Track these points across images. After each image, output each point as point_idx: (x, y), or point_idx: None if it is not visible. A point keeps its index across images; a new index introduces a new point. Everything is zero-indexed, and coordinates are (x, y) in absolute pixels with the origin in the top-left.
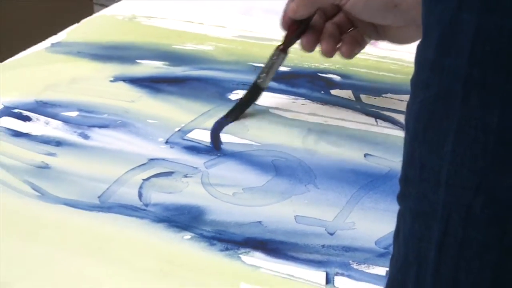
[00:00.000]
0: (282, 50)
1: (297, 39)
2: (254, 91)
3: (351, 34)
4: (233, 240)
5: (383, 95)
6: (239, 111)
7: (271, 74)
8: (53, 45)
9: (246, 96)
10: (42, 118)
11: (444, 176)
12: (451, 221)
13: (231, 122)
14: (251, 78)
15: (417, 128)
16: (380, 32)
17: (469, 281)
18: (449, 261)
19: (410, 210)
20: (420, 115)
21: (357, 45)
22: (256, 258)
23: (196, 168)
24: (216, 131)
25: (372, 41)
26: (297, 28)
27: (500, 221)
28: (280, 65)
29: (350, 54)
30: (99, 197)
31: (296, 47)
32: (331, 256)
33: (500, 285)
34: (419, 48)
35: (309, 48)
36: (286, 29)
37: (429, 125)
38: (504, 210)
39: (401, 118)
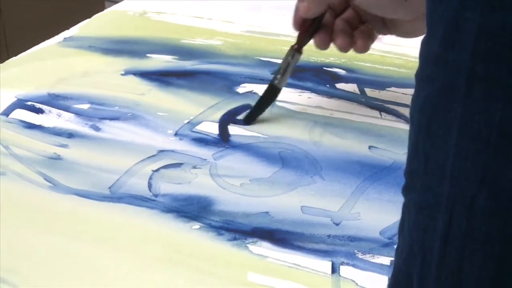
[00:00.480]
0: (297, 49)
1: (310, 38)
2: (271, 92)
3: (362, 29)
4: (240, 230)
5: (387, 88)
6: (257, 113)
7: (287, 74)
8: (65, 39)
9: (263, 97)
10: (54, 110)
11: (449, 169)
12: (455, 213)
13: (248, 125)
14: (258, 72)
15: (421, 122)
16: (389, 26)
17: (473, 271)
18: (453, 251)
19: (415, 202)
20: (424, 109)
21: (370, 39)
22: (263, 248)
23: (205, 159)
24: (224, 123)
25: (380, 36)
26: (309, 27)
27: (503, 213)
28: (294, 64)
29: (365, 48)
30: (109, 187)
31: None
32: (336, 246)
33: (503, 275)
34: (423, 43)
35: (323, 45)
36: (298, 29)
37: (433, 118)
38: (506, 202)
39: (404, 111)
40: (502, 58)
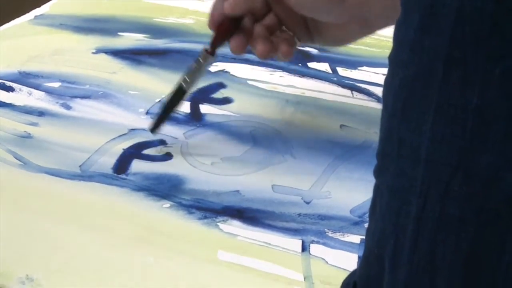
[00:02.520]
0: (210, 52)
1: (226, 41)
2: (178, 95)
3: (283, 36)
4: (211, 208)
5: (359, 68)
6: (163, 120)
7: (197, 79)
8: (36, 17)
9: (169, 102)
10: (25, 88)
11: (423, 153)
12: (430, 197)
13: (155, 133)
14: (229, 50)
15: (396, 106)
16: (313, 33)
17: (446, 254)
18: (426, 235)
19: (388, 185)
20: (399, 93)
21: (292, 46)
22: (234, 226)
23: (176, 138)
24: (195, 102)
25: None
26: (227, 29)
27: (477, 198)
28: (207, 68)
29: (290, 54)
30: (80, 166)
31: None
32: (307, 224)
33: (475, 258)
34: (398, 27)
35: (239, 50)
36: (215, 30)
37: (408, 103)
38: (481, 187)
39: (376, 90)
40: (480, 43)
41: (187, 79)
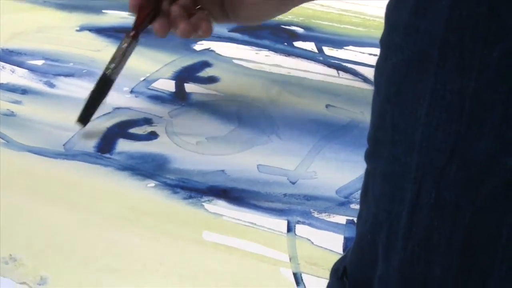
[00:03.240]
0: (134, 36)
1: (149, 24)
2: (104, 84)
3: (199, 15)
4: (196, 188)
5: (345, 47)
6: (91, 111)
7: (123, 64)
8: None
9: (95, 91)
10: (8, 66)
11: (418, 138)
12: (425, 183)
13: (84, 126)
14: (215, 29)
15: (389, 91)
16: (228, 11)
17: (441, 240)
18: (421, 221)
19: (381, 171)
20: (393, 77)
21: (211, 24)
22: (219, 206)
23: (161, 117)
24: (181, 81)
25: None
26: (148, 12)
27: (474, 183)
28: (131, 54)
29: (211, 30)
30: (64, 145)
31: None
32: (292, 204)
33: (471, 244)
34: (391, 9)
35: (163, 32)
36: (136, 13)
37: (402, 88)
38: (477, 172)
39: (362, 70)
40: (477, 27)
41: (112, 67)
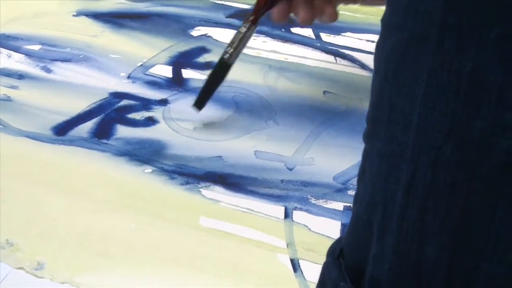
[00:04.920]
0: (253, 21)
1: (269, 9)
2: (221, 69)
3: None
4: (193, 174)
5: (343, 33)
6: (207, 96)
7: (240, 49)
8: None
9: (212, 76)
10: (4, 51)
11: (415, 118)
12: (420, 163)
13: (199, 111)
14: (213, 15)
15: (388, 70)
16: None
17: (436, 221)
18: (416, 201)
19: (378, 150)
20: (392, 57)
21: (336, 8)
22: (216, 192)
23: (158, 102)
24: (178, 66)
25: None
26: None
27: (469, 164)
28: (250, 38)
29: (336, 16)
30: (60, 130)
31: None
32: (289, 191)
33: (465, 226)
34: None
35: (282, 18)
36: None
37: (400, 67)
38: (473, 154)
39: (359, 56)
40: (475, 7)
41: (230, 51)
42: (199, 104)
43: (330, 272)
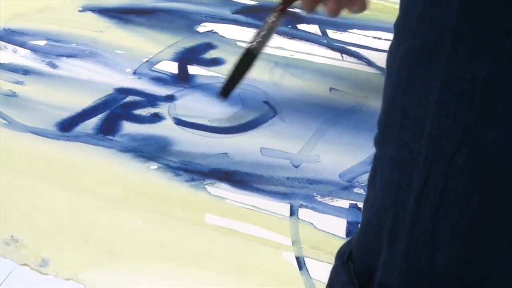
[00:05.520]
0: (281, 11)
1: None
2: (248, 58)
3: None
4: (198, 170)
5: (349, 30)
6: (233, 85)
7: (268, 39)
8: None
9: (238, 65)
10: (10, 46)
11: (428, 126)
12: (433, 171)
13: (226, 100)
14: (219, 11)
15: (401, 76)
16: None
17: (447, 230)
18: (428, 209)
19: (390, 157)
20: (405, 63)
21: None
22: (222, 189)
23: (164, 99)
24: (184, 62)
25: None
26: None
27: (482, 173)
28: (277, 28)
29: (366, 5)
30: (65, 125)
31: None
32: (295, 188)
33: (477, 235)
34: None
35: (310, 8)
36: None
37: (414, 74)
38: (486, 163)
39: (366, 53)
40: (490, 17)
41: (256, 41)
42: (225, 93)
43: (339, 275)
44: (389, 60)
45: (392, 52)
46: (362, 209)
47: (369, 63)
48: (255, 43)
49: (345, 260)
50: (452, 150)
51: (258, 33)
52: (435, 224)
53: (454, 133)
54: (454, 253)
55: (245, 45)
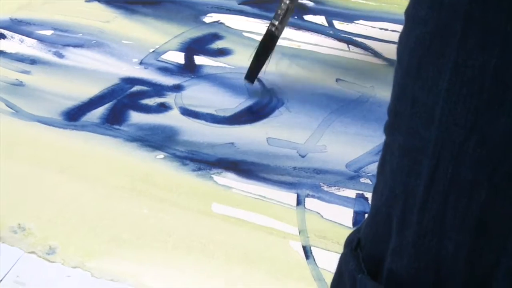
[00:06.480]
0: None
1: None
2: (269, 40)
3: None
4: (205, 160)
5: (356, 21)
6: (258, 68)
7: (286, 20)
8: None
9: (260, 48)
10: (17, 36)
11: (438, 113)
12: (442, 158)
13: (252, 83)
14: (225, 1)
15: (411, 63)
16: None
17: (456, 216)
18: (437, 196)
19: (399, 144)
20: (415, 51)
21: None
22: (228, 179)
23: (170, 89)
24: (190, 53)
25: None
26: None
27: (491, 161)
28: (294, 10)
29: None
30: (72, 115)
31: None
32: (302, 178)
33: (486, 221)
34: None
35: None
36: None
37: (424, 61)
38: (496, 150)
39: (372, 44)
40: (501, 3)
41: (276, 23)
42: (251, 76)
43: (348, 263)
44: (399, 48)
45: (403, 40)
46: (371, 196)
47: (376, 54)
48: (275, 26)
49: (353, 247)
50: (461, 138)
51: (277, 16)
52: (444, 212)
53: (463, 120)
54: (463, 240)
55: (266, 27)
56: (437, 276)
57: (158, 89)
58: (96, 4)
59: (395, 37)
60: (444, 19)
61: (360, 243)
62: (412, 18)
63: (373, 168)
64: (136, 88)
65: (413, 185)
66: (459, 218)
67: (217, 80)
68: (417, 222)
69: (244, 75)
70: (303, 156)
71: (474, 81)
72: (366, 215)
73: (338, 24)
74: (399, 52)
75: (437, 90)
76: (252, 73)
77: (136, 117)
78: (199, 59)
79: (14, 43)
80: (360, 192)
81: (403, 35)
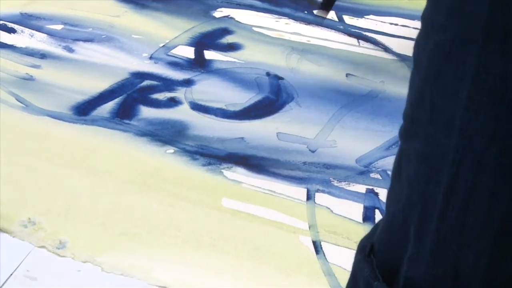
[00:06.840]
0: None
1: None
2: None
3: None
4: (215, 155)
5: (366, 16)
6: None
7: None
8: None
9: None
10: (27, 30)
11: (458, 121)
12: (463, 166)
13: (326, 16)
14: None
15: (430, 69)
16: None
17: (477, 225)
18: (457, 205)
19: (417, 151)
20: (434, 56)
21: None
22: (238, 174)
23: (180, 83)
24: (200, 47)
25: None
26: None
27: None
28: None
29: None
30: (82, 109)
31: None
32: (312, 173)
33: (507, 231)
34: None
35: None
36: None
37: (444, 68)
38: None
39: (382, 39)
40: None
41: None
42: (325, 8)
43: (362, 270)
44: (416, 53)
45: (420, 45)
46: (385, 201)
47: (386, 49)
48: None
49: (367, 253)
50: (482, 146)
51: None
52: (464, 220)
53: (485, 128)
54: (482, 249)
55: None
56: (455, 284)
57: (168, 84)
58: None
59: (405, 32)
60: (465, 27)
61: (373, 248)
62: (430, 23)
63: (383, 163)
64: (146, 82)
65: (431, 193)
66: (479, 226)
67: (227, 75)
68: (436, 230)
69: (253, 71)
70: (313, 151)
71: (495, 89)
72: (377, 211)
73: (348, 19)
74: (416, 56)
75: (457, 98)
76: (326, 5)
77: (146, 112)
78: (209, 54)
79: (24, 38)
80: (370, 187)
81: (421, 40)
